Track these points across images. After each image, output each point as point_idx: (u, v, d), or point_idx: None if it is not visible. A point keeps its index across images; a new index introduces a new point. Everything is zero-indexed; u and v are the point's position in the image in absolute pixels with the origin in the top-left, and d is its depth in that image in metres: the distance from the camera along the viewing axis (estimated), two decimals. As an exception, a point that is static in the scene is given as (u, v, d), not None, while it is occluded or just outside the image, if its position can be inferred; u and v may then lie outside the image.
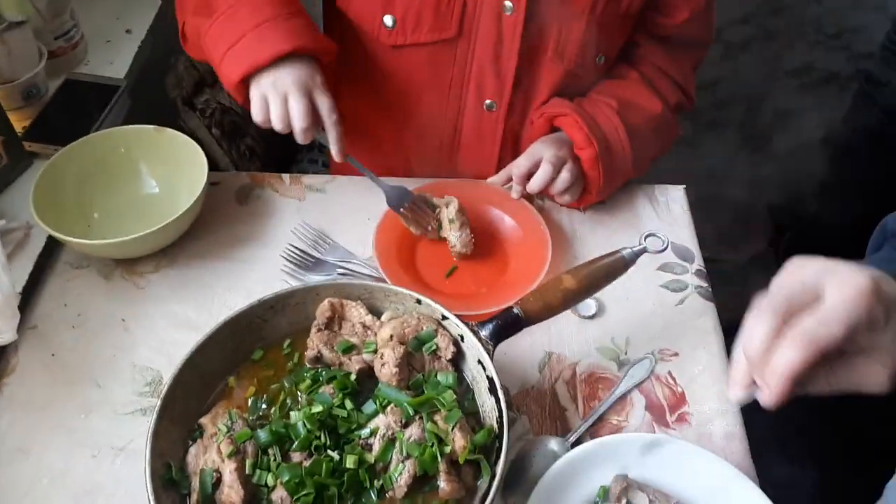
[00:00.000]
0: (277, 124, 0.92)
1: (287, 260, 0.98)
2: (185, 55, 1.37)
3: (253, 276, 0.97)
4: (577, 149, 0.98)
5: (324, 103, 0.92)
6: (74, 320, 0.92)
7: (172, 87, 1.31)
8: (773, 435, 0.92)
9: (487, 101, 1.03)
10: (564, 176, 0.98)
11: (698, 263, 0.98)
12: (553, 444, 0.79)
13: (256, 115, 0.93)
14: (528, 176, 0.99)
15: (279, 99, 0.91)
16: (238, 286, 0.95)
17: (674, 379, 0.87)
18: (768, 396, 0.58)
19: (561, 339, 0.90)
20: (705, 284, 0.96)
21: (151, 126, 1.03)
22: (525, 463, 0.78)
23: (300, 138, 0.93)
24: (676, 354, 0.89)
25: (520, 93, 1.03)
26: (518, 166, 0.99)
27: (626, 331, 0.91)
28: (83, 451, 0.80)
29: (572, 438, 0.80)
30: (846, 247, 0.71)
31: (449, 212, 0.98)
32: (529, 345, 0.90)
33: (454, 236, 0.97)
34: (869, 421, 1.19)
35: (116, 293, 0.95)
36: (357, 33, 1.02)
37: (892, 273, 0.59)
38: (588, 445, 0.76)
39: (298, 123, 0.91)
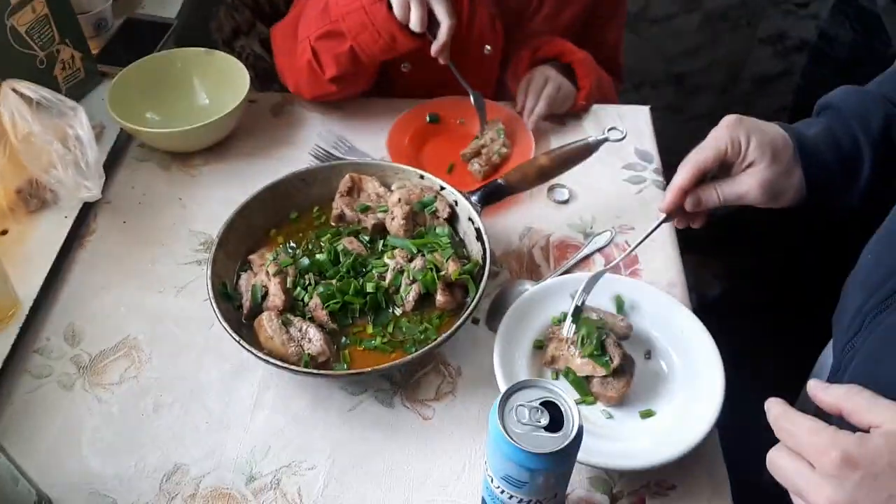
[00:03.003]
0: (418, 26, 1.05)
1: (314, 157, 1.18)
2: (226, 5, 1.58)
3: (286, 170, 1.13)
4: (570, 53, 1.19)
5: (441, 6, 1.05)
6: (141, 198, 1.13)
7: (214, 30, 1.51)
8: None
9: None
10: (554, 87, 1.20)
11: (657, 164, 1.18)
12: (527, 284, 0.99)
13: (400, 13, 1.05)
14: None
15: (417, 3, 1.03)
16: (274, 177, 1.14)
17: (629, 245, 1.06)
18: (665, 203, 0.81)
19: (538, 218, 1.10)
20: (661, 179, 1.15)
21: (203, 48, 1.24)
22: (504, 298, 0.98)
23: (445, 35, 1.07)
24: (633, 228, 1.08)
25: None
26: (530, 99, 1.20)
27: (592, 212, 1.10)
28: (152, 289, 1.01)
29: (542, 281, 0.99)
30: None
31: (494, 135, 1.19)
32: (513, 221, 1.09)
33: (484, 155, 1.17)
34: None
35: (174, 180, 1.15)
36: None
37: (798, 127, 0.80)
38: (551, 280, 0.96)
39: (446, 21, 1.05)
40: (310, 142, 1.21)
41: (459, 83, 1.18)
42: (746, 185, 0.80)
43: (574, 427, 0.63)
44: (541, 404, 0.64)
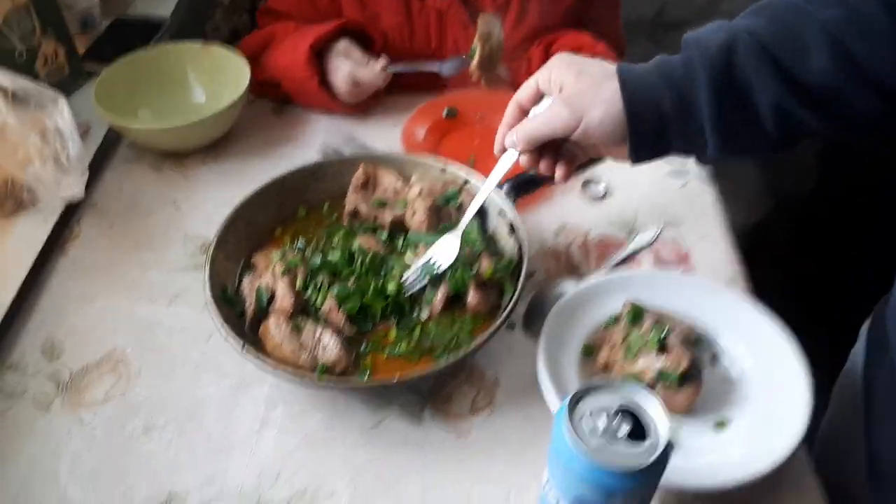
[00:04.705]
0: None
1: (322, 156, 1.07)
2: (222, 7, 1.50)
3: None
4: (590, 47, 1.09)
5: (371, 71, 1.09)
6: (130, 200, 1.01)
7: (211, 31, 1.43)
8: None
9: None
10: None
11: (697, 156, 1.07)
12: (567, 285, 0.87)
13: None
14: None
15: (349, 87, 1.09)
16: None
17: (679, 243, 0.95)
18: (496, 145, 0.78)
19: (573, 214, 0.99)
20: (705, 171, 1.05)
21: (198, 42, 1.14)
22: (542, 300, 0.86)
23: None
24: (682, 224, 0.97)
25: None
26: None
27: (634, 207, 1.00)
28: (142, 298, 0.89)
29: (587, 281, 0.88)
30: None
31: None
32: (544, 218, 0.98)
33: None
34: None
35: (167, 181, 1.04)
36: None
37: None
38: (599, 278, 0.84)
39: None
40: (315, 140, 1.11)
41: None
42: (548, 102, 0.73)
43: (662, 436, 0.51)
44: (619, 411, 0.52)
